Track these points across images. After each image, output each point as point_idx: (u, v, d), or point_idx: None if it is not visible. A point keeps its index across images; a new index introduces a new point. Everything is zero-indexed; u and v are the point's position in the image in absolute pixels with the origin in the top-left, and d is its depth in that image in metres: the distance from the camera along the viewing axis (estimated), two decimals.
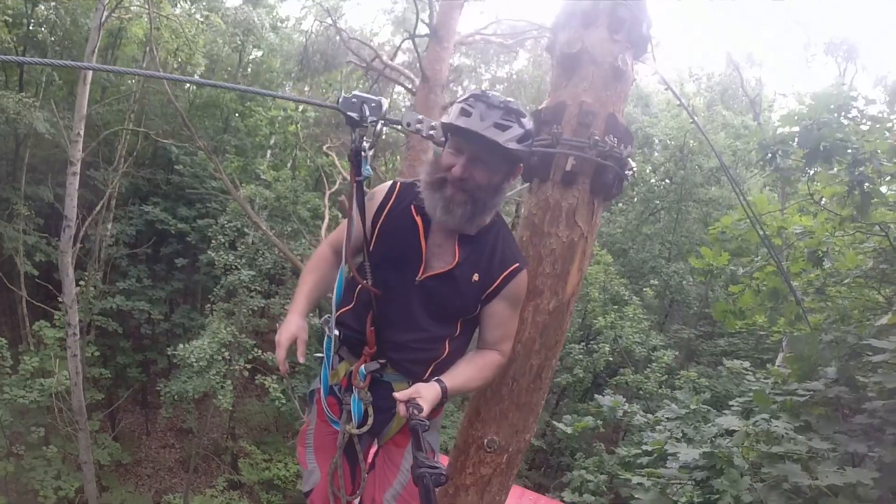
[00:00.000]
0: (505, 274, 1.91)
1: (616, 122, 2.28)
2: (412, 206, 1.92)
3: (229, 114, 17.80)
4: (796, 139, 3.72)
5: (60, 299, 10.28)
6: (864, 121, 4.27)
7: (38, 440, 11.75)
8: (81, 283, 12.66)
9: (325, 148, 13.49)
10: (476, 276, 1.90)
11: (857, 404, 3.80)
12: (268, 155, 18.32)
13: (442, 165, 1.84)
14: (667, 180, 15.93)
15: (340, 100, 1.62)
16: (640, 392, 13.33)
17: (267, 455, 15.70)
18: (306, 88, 20.08)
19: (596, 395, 7.85)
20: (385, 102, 1.65)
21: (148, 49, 13.39)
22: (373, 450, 2.21)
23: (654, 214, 17.32)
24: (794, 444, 3.49)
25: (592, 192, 2.31)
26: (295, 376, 15.36)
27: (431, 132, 1.95)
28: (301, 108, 16.02)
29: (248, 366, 12.72)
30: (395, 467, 2.09)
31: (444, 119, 1.84)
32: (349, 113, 1.61)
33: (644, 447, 5.90)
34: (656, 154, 16.47)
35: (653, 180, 17.04)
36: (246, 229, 13.56)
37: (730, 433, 4.24)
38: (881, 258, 4.19)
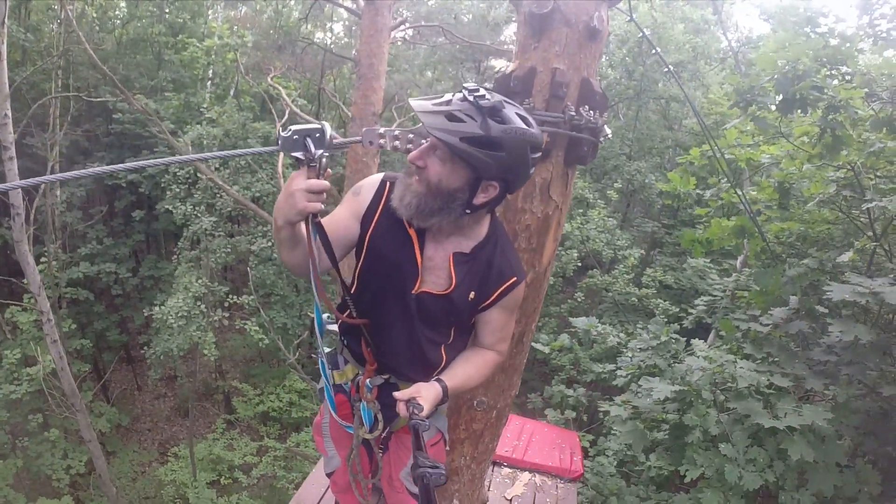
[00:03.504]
0: (502, 289, 1.86)
1: (591, 88, 2.16)
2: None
3: (160, 48, 16.45)
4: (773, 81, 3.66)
5: (24, 282, 9.85)
6: (835, 35, 4.25)
7: (38, 427, 11.81)
8: (43, 259, 12.24)
9: (270, 79, 12.67)
10: (472, 295, 1.84)
11: (817, 337, 4.05)
12: (208, 86, 17.25)
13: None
14: (625, 76, 15.56)
15: (280, 141, 1.48)
16: (608, 293, 13.87)
17: (258, 389, 16.18)
18: (241, 9, 18.58)
19: (570, 319, 8.17)
20: (328, 128, 1.51)
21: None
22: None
23: (612, 108, 17.09)
24: (757, 386, 3.74)
25: (566, 164, 2.26)
26: (271, 307, 15.51)
27: (396, 143, 1.75)
28: (238, 33, 14.86)
29: (226, 314, 12.75)
30: (408, 450, 2.16)
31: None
32: (294, 154, 1.49)
33: (619, 372, 6.25)
34: (612, 47, 15.94)
35: (610, 74, 16.67)
36: (199, 174, 13.03)
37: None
38: (844, 184, 4.28)
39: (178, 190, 12.88)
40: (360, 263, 1.85)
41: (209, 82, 17.25)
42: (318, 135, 1.48)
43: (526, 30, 2.17)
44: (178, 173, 12.97)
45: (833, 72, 3.69)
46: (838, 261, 3.98)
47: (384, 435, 2.22)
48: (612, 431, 7.23)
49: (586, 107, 2.12)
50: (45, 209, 12.68)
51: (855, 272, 3.87)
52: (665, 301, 12.97)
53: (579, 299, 14.18)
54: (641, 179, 15.10)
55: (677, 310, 12.24)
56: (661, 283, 13.82)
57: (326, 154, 1.50)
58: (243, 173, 13.95)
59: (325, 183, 1.51)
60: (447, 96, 1.58)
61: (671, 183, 5.56)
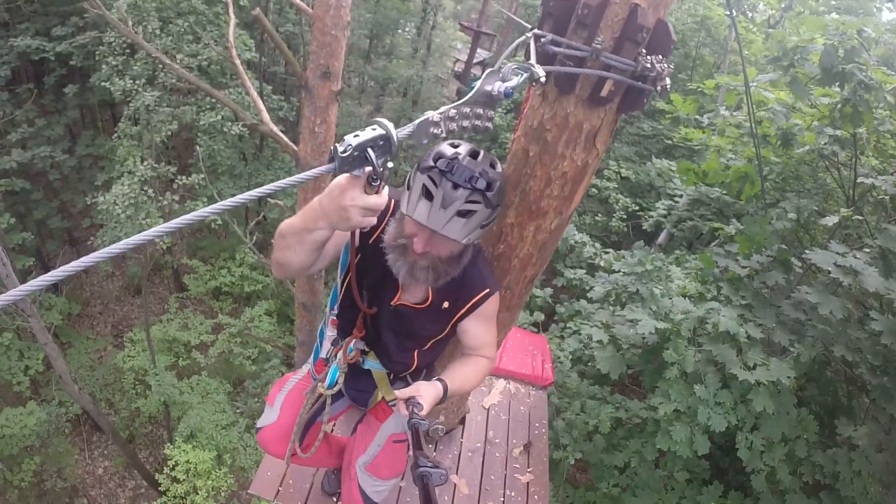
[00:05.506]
0: (474, 301, 1.94)
1: (665, 32, 1.82)
2: None
3: None
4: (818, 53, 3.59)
5: None
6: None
7: None
8: None
9: None
10: (446, 304, 1.93)
11: (790, 289, 4.35)
12: None
13: (405, 231, 1.75)
14: None
15: (336, 161, 1.11)
16: None
17: (208, 265, 15.78)
18: None
19: None
20: (392, 130, 1.15)
21: None
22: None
23: None
24: (735, 336, 4.07)
25: (618, 111, 2.01)
26: (218, 178, 14.71)
27: (452, 125, 1.41)
28: None
29: (175, 198, 11.97)
30: (373, 436, 2.35)
31: (404, 197, 1.66)
32: (355, 174, 1.23)
33: (596, 288, 6.47)
34: None
35: None
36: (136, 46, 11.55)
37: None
38: (837, 140, 4.37)
39: (114, 63, 11.48)
40: (353, 269, 1.82)
41: None
42: (381, 143, 1.15)
43: None
44: (112, 43, 11.48)
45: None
46: (821, 222, 4.17)
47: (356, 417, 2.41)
48: (571, 329, 7.69)
49: (659, 56, 1.81)
50: None
51: (835, 239, 4.10)
52: (625, 196, 13.22)
53: None
54: None
55: (636, 207, 12.66)
56: (620, 175, 14.00)
57: (390, 165, 1.22)
58: (187, 39, 12.47)
59: (383, 201, 1.33)
60: (427, 184, 1.59)
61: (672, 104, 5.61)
